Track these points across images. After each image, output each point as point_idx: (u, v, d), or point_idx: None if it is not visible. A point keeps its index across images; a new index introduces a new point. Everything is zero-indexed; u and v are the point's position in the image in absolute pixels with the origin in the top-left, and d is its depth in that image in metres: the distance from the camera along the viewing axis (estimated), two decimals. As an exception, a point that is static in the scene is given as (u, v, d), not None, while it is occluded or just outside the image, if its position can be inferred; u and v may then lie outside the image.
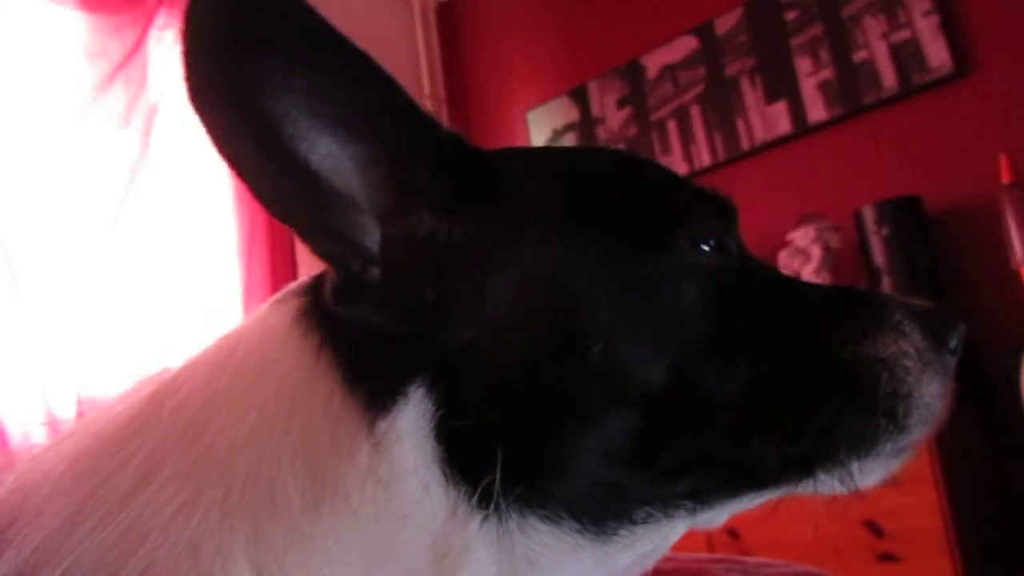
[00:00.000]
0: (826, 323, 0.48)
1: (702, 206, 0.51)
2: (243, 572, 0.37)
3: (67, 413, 2.46)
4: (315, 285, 0.47)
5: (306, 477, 0.39)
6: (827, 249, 2.53)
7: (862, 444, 0.46)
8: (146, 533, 0.37)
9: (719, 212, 0.52)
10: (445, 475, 0.40)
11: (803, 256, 2.57)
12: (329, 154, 0.42)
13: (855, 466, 0.46)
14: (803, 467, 0.45)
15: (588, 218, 0.46)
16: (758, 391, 0.44)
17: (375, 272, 0.43)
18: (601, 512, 0.42)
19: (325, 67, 0.41)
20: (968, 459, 2.29)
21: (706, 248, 0.48)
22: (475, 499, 0.40)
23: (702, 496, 0.44)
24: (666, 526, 0.44)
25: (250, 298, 2.80)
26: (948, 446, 2.11)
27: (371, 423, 0.40)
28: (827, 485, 0.46)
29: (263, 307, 0.48)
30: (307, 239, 0.43)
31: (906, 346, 0.48)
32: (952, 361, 0.49)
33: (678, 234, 0.47)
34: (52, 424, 2.47)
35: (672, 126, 3.18)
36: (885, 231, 2.43)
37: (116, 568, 0.36)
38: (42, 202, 2.43)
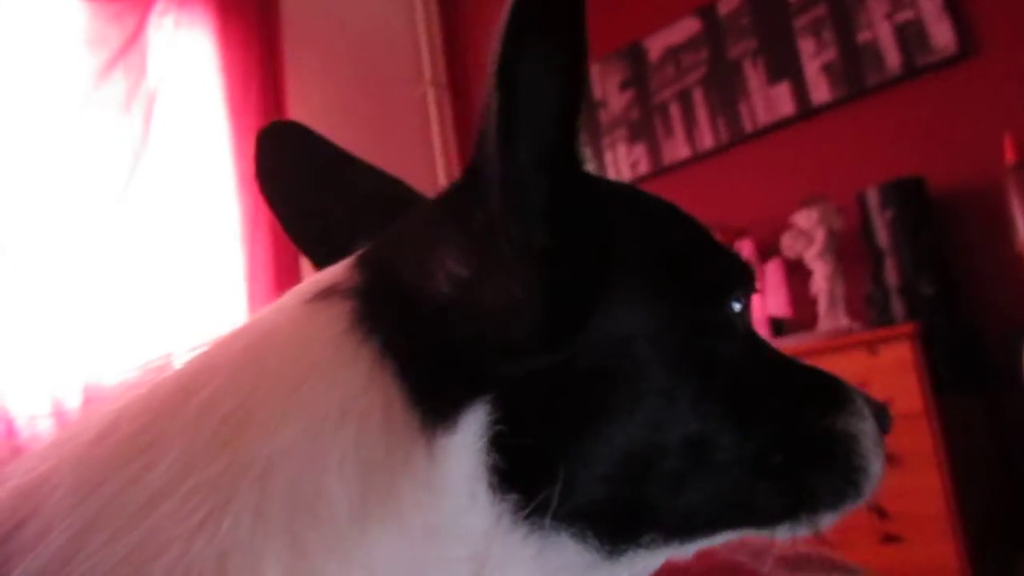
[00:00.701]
0: (814, 397, 0.55)
1: (742, 270, 0.55)
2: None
3: (73, 402, 2.47)
4: (363, 289, 0.45)
5: (356, 486, 0.38)
6: (830, 232, 2.53)
7: (833, 503, 0.53)
8: (167, 544, 0.36)
9: (751, 277, 0.56)
10: (492, 487, 0.41)
11: (806, 239, 2.56)
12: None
13: (823, 518, 0.53)
14: (789, 515, 0.51)
15: (671, 274, 0.50)
16: (765, 450, 0.49)
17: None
18: (618, 534, 0.44)
19: None
20: (971, 442, 2.29)
21: (739, 310, 0.53)
22: (524, 512, 0.41)
23: (702, 530, 0.48)
24: (662, 552, 0.47)
25: (253, 283, 2.80)
26: (951, 429, 2.12)
27: (431, 435, 0.40)
28: (799, 529, 0.52)
29: (293, 306, 0.46)
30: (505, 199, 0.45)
31: (866, 427, 0.55)
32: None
33: (728, 297, 0.52)
34: (59, 414, 2.48)
35: (675, 109, 3.17)
36: (889, 213, 2.42)
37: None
38: (45, 190, 2.43)
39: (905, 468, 2.12)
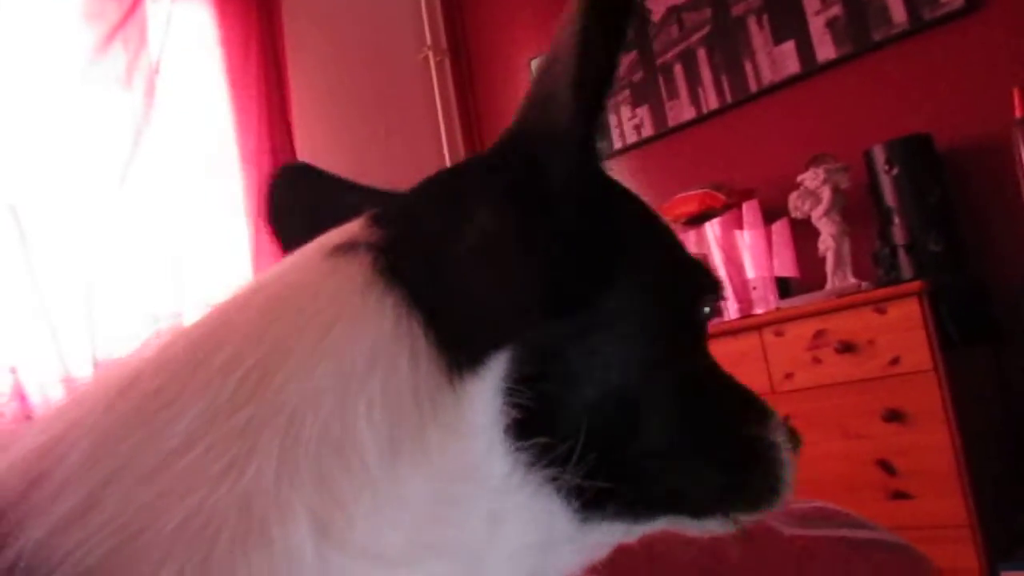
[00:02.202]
0: (745, 406, 0.58)
1: (715, 280, 0.59)
2: (300, 522, 0.37)
3: (84, 373, 2.49)
4: (386, 243, 0.46)
5: (385, 430, 0.39)
6: (837, 190, 2.51)
7: (755, 504, 0.56)
8: (190, 490, 0.36)
9: (719, 288, 0.60)
10: (509, 435, 0.43)
11: (813, 198, 2.55)
12: None
13: (745, 517, 0.55)
14: (719, 510, 0.54)
15: (664, 272, 0.53)
16: (710, 445, 0.53)
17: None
18: (597, 505, 0.47)
19: None
20: (980, 398, 2.30)
21: (703, 317, 0.57)
22: (536, 464, 0.43)
23: (652, 512, 0.51)
24: (615, 530, 0.50)
25: (259, 255, 2.80)
26: (959, 386, 2.12)
27: (456, 381, 0.42)
28: (724, 525, 0.55)
29: (312, 260, 0.47)
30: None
31: (782, 441, 0.57)
32: None
33: (700, 302, 0.55)
34: (70, 385, 2.50)
35: (678, 70, 3.14)
36: (895, 171, 2.40)
37: (152, 523, 0.36)
38: (49, 166, 2.43)
39: (913, 425, 2.13)
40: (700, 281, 0.56)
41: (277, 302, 0.44)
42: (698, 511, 0.54)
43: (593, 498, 0.46)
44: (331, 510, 0.37)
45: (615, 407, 0.46)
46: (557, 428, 0.44)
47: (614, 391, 0.46)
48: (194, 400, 0.39)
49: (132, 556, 0.35)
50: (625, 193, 0.54)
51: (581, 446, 0.44)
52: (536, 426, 0.43)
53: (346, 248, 0.46)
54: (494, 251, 0.45)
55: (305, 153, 3.06)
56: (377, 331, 0.42)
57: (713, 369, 0.58)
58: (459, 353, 0.42)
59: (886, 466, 2.17)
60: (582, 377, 0.45)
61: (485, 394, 0.42)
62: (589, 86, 0.44)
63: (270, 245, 2.80)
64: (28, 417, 2.55)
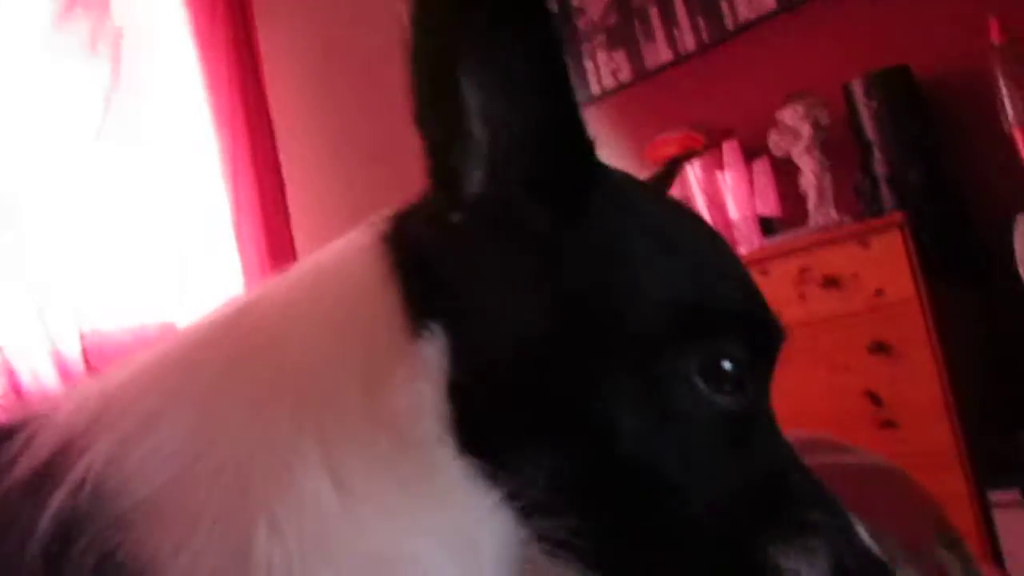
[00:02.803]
0: (777, 508, 0.48)
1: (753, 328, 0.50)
2: (315, 464, 0.43)
3: (72, 348, 2.48)
4: (400, 214, 0.52)
5: (359, 380, 0.45)
6: (817, 126, 2.50)
7: None
8: (225, 433, 0.44)
9: (762, 341, 0.51)
10: (447, 408, 0.45)
11: (793, 135, 2.54)
12: (481, 103, 0.47)
13: None
14: None
15: (623, 302, 0.48)
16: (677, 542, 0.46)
17: (456, 215, 0.48)
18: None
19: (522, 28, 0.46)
20: (963, 327, 2.32)
21: (724, 382, 0.47)
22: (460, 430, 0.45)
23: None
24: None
25: (240, 217, 2.78)
26: (943, 316, 2.14)
27: (413, 338, 0.46)
28: None
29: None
30: (428, 154, 0.47)
31: (804, 572, 0.46)
32: None
33: (690, 358, 0.47)
34: (60, 362, 2.49)
35: (654, 11, 3.09)
36: (874, 103, 2.39)
37: (195, 456, 0.43)
38: (24, 136, 2.39)
39: (899, 356, 2.15)
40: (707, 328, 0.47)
41: (308, 267, 0.51)
42: None
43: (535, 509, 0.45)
44: (327, 451, 0.43)
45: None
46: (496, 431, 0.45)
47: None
48: (220, 353, 0.47)
49: (182, 491, 0.42)
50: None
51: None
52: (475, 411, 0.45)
53: (382, 218, 0.52)
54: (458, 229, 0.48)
55: (279, 113, 3.01)
56: (365, 291, 0.48)
57: (726, 446, 0.47)
58: (416, 314, 0.46)
59: (873, 397, 2.19)
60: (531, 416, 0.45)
61: (431, 367, 0.45)
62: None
63: (250, 205, 2.78)
64: (17, 393, 2.54)
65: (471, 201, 0.48)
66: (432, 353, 0.45)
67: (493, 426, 0.45)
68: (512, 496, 0.44)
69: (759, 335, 0.50)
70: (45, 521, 0.41)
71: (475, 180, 0.48)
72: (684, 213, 0.56)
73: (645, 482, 0.46)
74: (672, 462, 0.46)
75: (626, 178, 0.55)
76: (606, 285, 0.48)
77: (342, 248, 0.52)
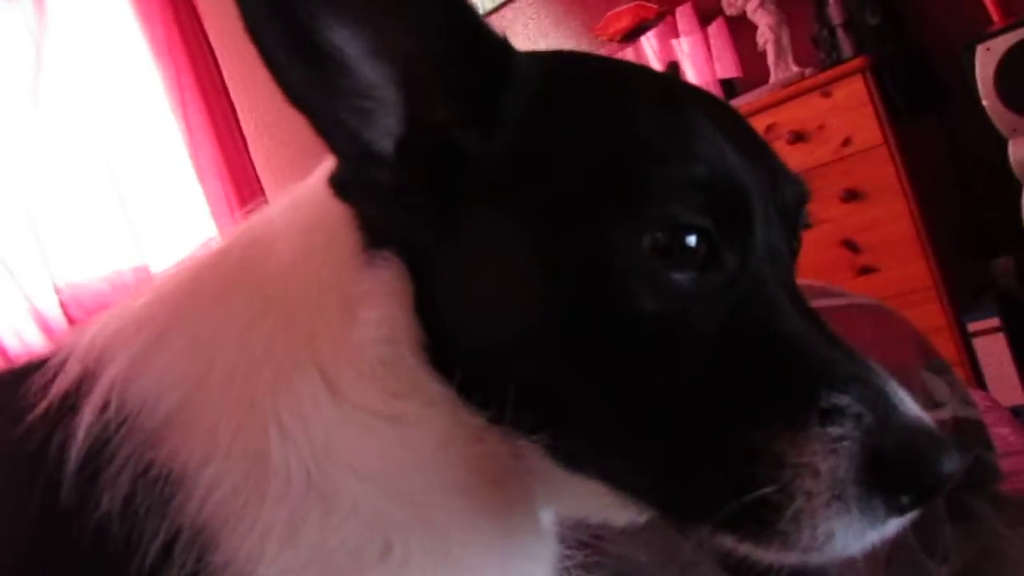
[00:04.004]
0: (781, 392, 0.42)
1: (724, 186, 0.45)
2: (310, 373, 0.46)
3: (50, 303, 2.46)
4: None
5: (337, 292, 0.48)
6: (769, -24, 2.45)
7: (730, 529, 0.43)
8: (227, 343, 0.47)
9: (733, 203, 0.46)
10: (417, 328, 0.48)
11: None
12: (365, 44, 0.44)
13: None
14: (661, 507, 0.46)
15: (571, 179, 0.46)
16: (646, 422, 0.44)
17: (383, 173, 0.46)
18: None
19: None
20: (932, 164, 2.34)
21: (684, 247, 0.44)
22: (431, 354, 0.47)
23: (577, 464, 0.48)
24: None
25: (196, 148, 2.72)
26: (911, 155, 2.15)
27: (369, 276, 0.48)
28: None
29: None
30: (322, 132, 0.45)
31: (825, 467, 0.40)
32: (895, 518, 0.42)
33: (642, 232, 0.43)
34: (40, 319, 2.47)
35: None
36: (825, -53, 2.34)
37: (203, 371, 0.46)
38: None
39: (871, 201, 2.17)
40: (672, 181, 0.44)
41: (290, 203, 0.53)
42: (628, 491, 0.45)
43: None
44: (310, 352, 0.46)
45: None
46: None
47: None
48: (209, 287, 0.50)
49: (199, 405, 0.45)
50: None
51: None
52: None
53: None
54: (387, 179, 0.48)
55: (218, 36, 2.91)
56: (333, 216, 0.49)
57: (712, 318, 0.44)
58: (372, 243, 0.48)
59: (850, 245, 2.23)
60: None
61: (390, 293, 0.47)
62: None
63: (204, 134, 2.72)
64: (3, 354, 2.53)
65: (388, 156, 0.46)
66: (389, 278, 0.47)
67: (460, 341, 0.46)
68: (490, 407, 0.46)
69: (717, 196, 0.45)
70: (78, 444, 0.43)
71: (383, 129, 0.46)
72: (634, 79, 0.52)
73: (618, 376, 0.44)
74: (643, 352, 0.43)
75: (557, 60, 0.52)
76: (548, 174, 0.46)
77: (313, 185, 0.52)
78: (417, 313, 0.47)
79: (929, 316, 2.11)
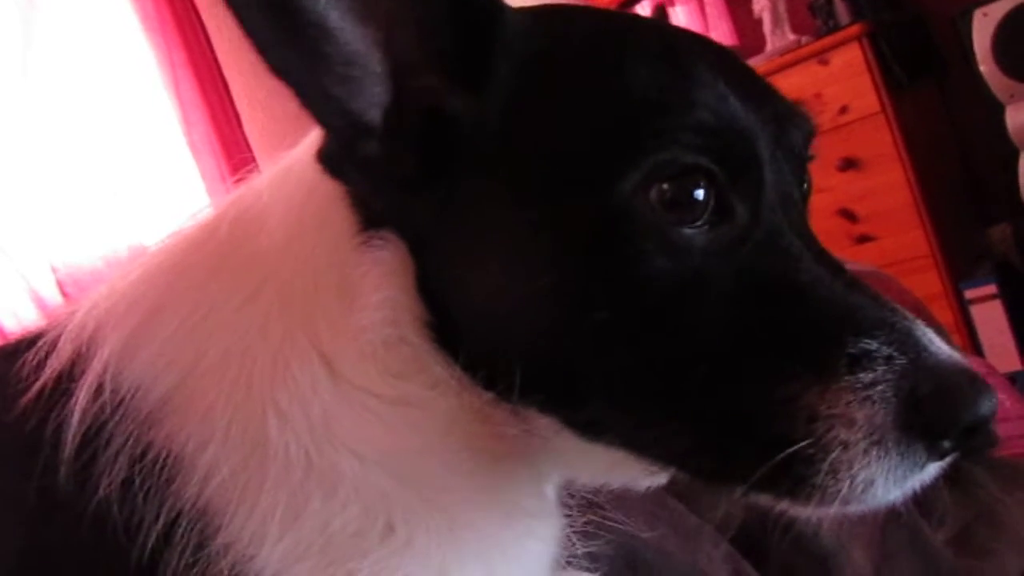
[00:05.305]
0: (781, 348, 0.41)
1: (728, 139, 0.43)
2: (308, 353, 0.45)
3: (47, 284, 2.46)
4: None
5: (336, 272, 0.46)
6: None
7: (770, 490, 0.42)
8: (220, 323, 0.46)
9: (742, 155, 0.44)
10: (418, 307, 0.46)
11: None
12: (346, 5, 0.42)
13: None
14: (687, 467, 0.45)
15: (562, 138, 0.45)
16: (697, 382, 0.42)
17: (372, 146, 0.44)
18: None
19: None
20: (929, 132, 2.33)
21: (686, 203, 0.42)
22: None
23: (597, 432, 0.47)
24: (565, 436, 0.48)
25: (190, 127, 2.71)
26: (909, 124, 2.14)
27: (367, 256, 0.47)
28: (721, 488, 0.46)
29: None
30: (308, 104, 0.42)
31: (860, 415, 0.39)
32: (934, 463, 0.41)
33: (645, 186, 0.41)
34: (37, 299, 2.47)
35: None
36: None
37: (197, 353, 0.45)
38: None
39: (869, 170, 2.17)
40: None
41: (281, 174, 0.52)
42: (655, 457, 0.44)
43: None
44: (309, 331, 0.45)
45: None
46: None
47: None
48: (206, 254, 0.49)
49: (194, 387, 0.44)
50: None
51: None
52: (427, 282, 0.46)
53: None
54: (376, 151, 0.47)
55: (209, 11, 2.88)
56: (331, 203, 0.48)
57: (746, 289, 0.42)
58: (367, 224, 0.47)
59: (847, 214, 2.22)
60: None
61: (392, 270, 0.46)
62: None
63: (196, 110, 2.69)
64: (2, 337, 2.53)
65: (376, 127, 0.44)
66: (387, 258, 0.46)
67: (465, 318, 0.45)
68: (497, 384, 0.45)
69: (722, 140, 0.43)
70: (73, 428, 0.43)
71: (371, 98, 0.43)
72: (630, 30, 0.50)
73: (634, 341, 0.42)
74: (658, 314, 0.42)
75: (549, 14, 0.49)
76: (546, 135, 0.44)
77: (301, 156, 0.51)
78: (419, 292, 0.46)
79: (926, 284, 2.12)
